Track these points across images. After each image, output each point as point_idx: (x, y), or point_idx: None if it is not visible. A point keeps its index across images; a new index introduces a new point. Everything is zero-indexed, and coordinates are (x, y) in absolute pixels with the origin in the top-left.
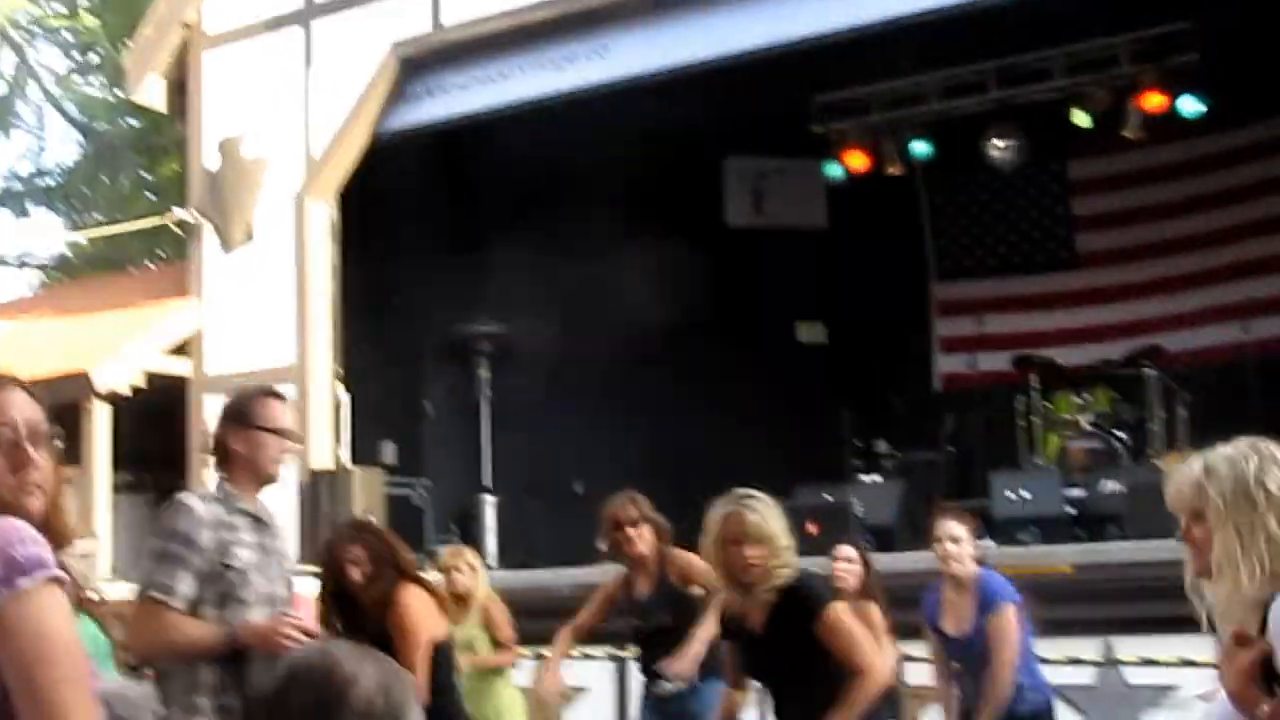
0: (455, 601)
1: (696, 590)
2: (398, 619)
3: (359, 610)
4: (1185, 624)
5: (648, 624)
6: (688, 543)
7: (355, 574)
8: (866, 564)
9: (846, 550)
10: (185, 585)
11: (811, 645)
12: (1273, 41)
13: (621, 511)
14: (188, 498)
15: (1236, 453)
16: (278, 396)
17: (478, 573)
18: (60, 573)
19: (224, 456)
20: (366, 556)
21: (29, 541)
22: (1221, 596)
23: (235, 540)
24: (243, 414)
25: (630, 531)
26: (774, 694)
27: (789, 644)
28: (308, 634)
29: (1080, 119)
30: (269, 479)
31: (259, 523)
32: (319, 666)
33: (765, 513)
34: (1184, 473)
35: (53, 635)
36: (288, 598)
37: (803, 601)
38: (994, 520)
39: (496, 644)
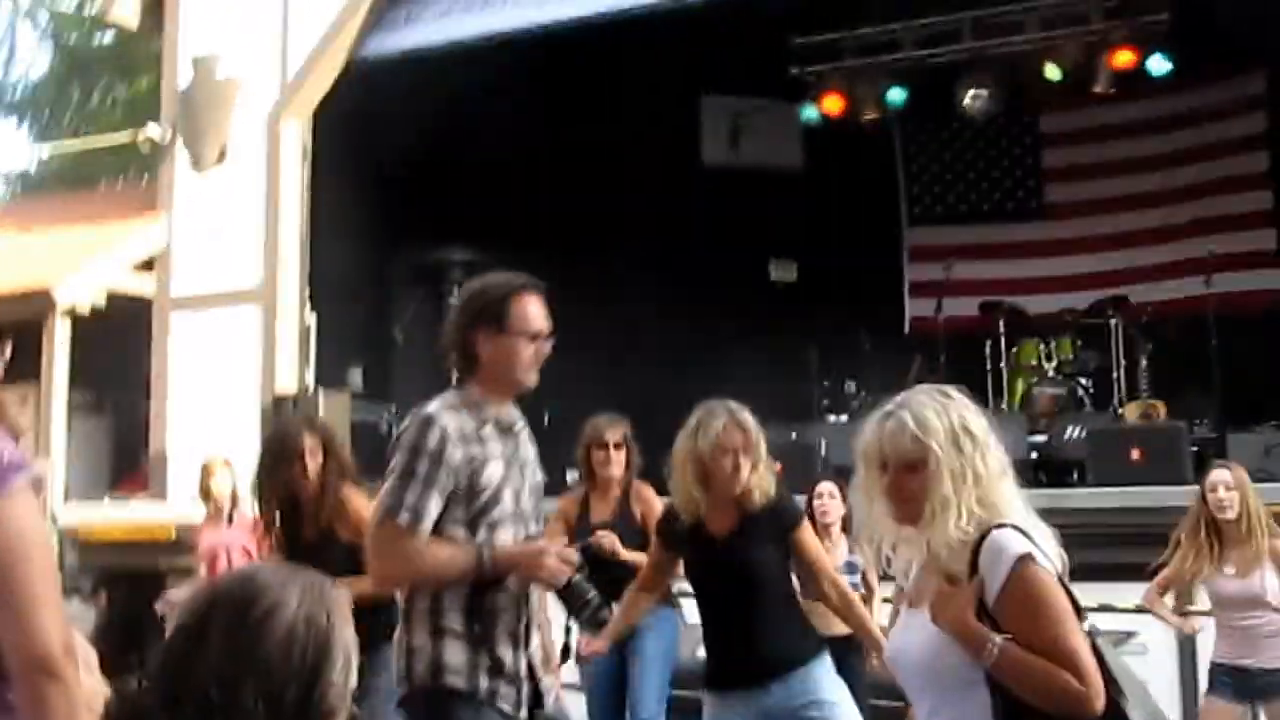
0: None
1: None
2: (354, 519)
3: (300, 508)
4: (1143, 571)
5: (599, 547)
6: (654, 476)
7: (310, 466)
8: (845, 500)
9: (828, 485)
10: (433, 506)
11: (779, 558)
12: (1240, 3)
13: (608, 430)
14: (435, 411)
15: (937, 402)
16: (533, 290)
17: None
18: (39, 474)
19: (470, 360)
20: (320, 451)
21: (8, 444)
22: (934, 542)
23: (485, 455)
24: (495, 314)
25: (611, 452)
26: (719, 603)
27: (756, 554)
28: (568, 562)
29: (1052, 72)
30: (521, 387)
31: (508, 431)
32: (241, 593)
33: (755, 425)
34: (893, 425)
35: (30, 533)
36: (537, 513)
37: (782, 515)
38: None
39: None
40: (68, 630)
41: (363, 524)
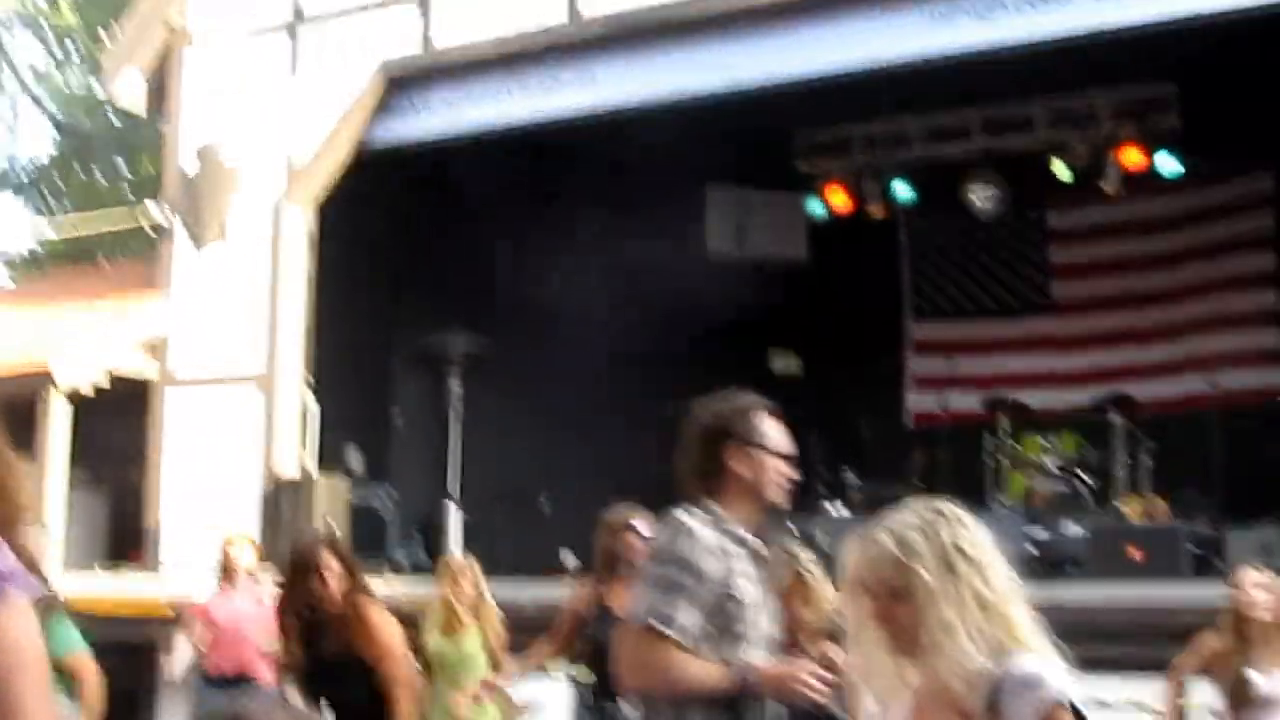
0: (449, 613)
1: None
2: (377, 635)
3: (321, 624)
4: (1137, 666)
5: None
6: None
7: (331, 584)
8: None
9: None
10: (687, 617)
11: None
12: (1248, 104)
13: (637, 516)
14: (688, 520)
15: (923, 521)
16: (775, 413)
17: (481, 585)
18: (35, 583)
19: (716, 477)
20: (340, 569)
21: (5, 552)
22: (944, 671)
23: (737, 570)
24: (742, 430)
25: (636, 540)
26: None
27: None
28: (827, 683)
29: (1061, 170)
30: (767, 504)
31: (755, 555)
32: None
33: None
34: (873, 549)
35: (26, 644)
36: (777, 639)
37: None
38: None
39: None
40: None
41: (384, 639)
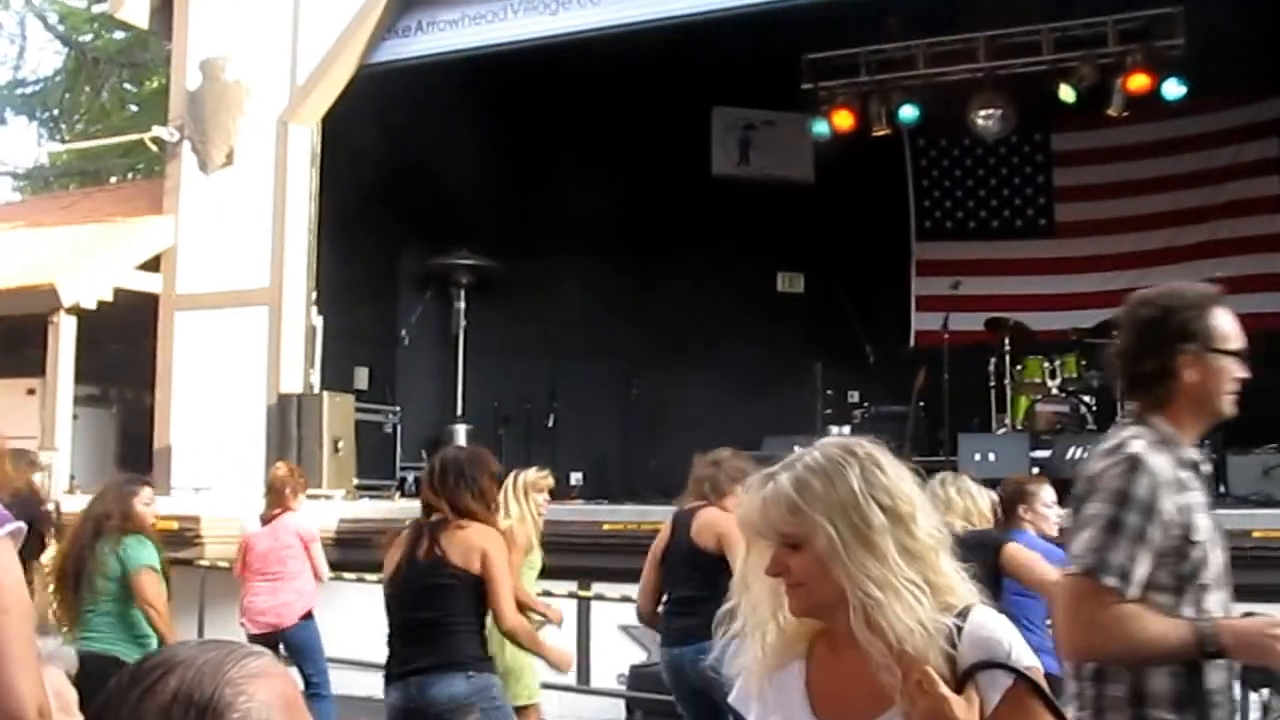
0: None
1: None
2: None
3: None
4: None
5: None
6: (661, 483)
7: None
8: None
9: (1051, 493)
10: (1143, 568)
11: None
12: (1254, 29)
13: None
14: (1142, 449)
15: (829, 463)
16: (1226, 304)
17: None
18: (18, 525)
19: (1165, 386)
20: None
21: None
22: (896, 629)
23: (1193, 505)
24: (1202, 331)
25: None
26: None
27: None
28: None
29: (1066, 94)
30: (1220, 417)
31: (1200, 474)
32: (134, 666)
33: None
34: (769, 494)
35: (7, 587)
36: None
37: None
38: None
39: None
40: (43, 690)
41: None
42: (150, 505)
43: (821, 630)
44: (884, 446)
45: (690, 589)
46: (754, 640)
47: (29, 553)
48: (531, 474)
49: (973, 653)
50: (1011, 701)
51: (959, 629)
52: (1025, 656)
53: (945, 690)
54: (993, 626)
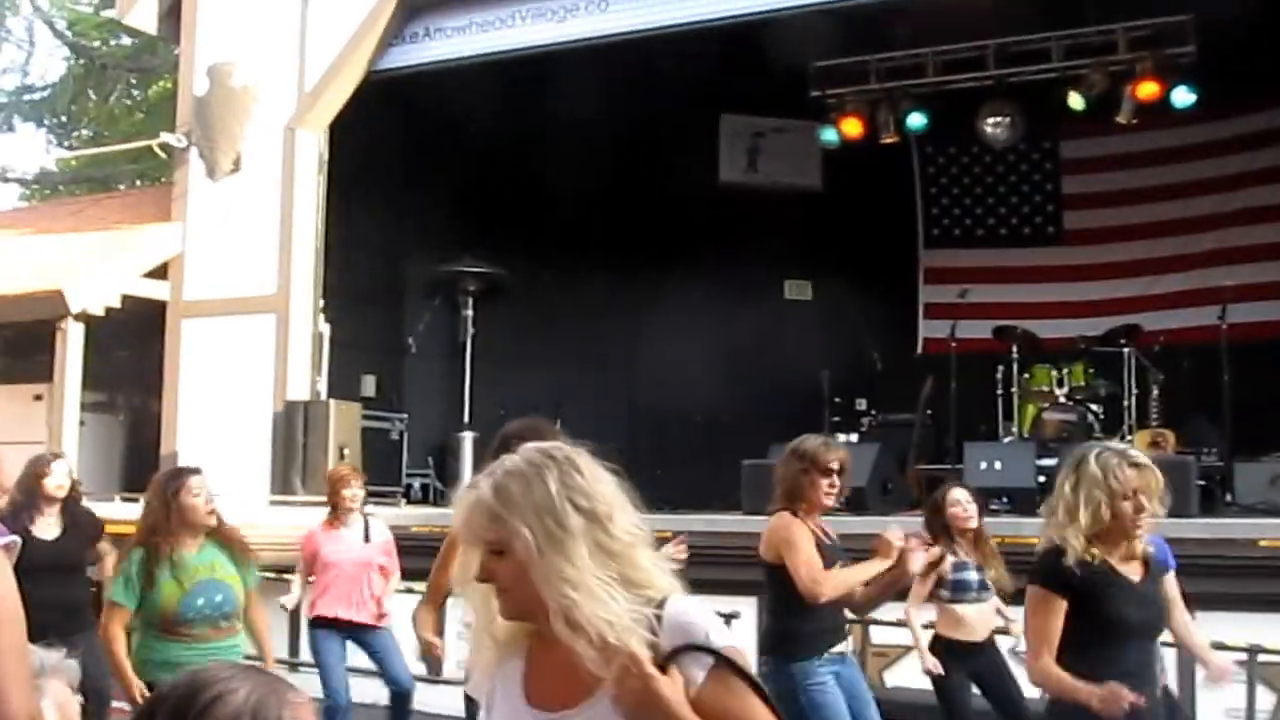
0: None
1: None
2: None
3: None
4: None
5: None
6: (666, 487)
7: None
8: (980, 505)
9: (962, 493)
10: None
11: None
12: (1265, 36)
13: (833, 454)
14: None
15: (528, 468)
16: None
17: None
18: (12, 539)
19: None
20: None
21: None
22: (595, 625)
23: None
24: None
25: (837, 480)
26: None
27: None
28: None
29: (1075, 102)
30: None
31: None
32: (187, 686)
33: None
34: (470, 501)
35: (2, 597)
36: None
37: None
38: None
39: None
40: (35, 702)
41: None
42: (200, 495)
43: (537, 629)
44: (583, 450)
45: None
46: (481, 640)
47: (81, 560)
48: None
49: (672, 637)
50: (714, 680)
51: (658, 618)
52: (721, 638)
53: (651, 669)
54: (690, 613)
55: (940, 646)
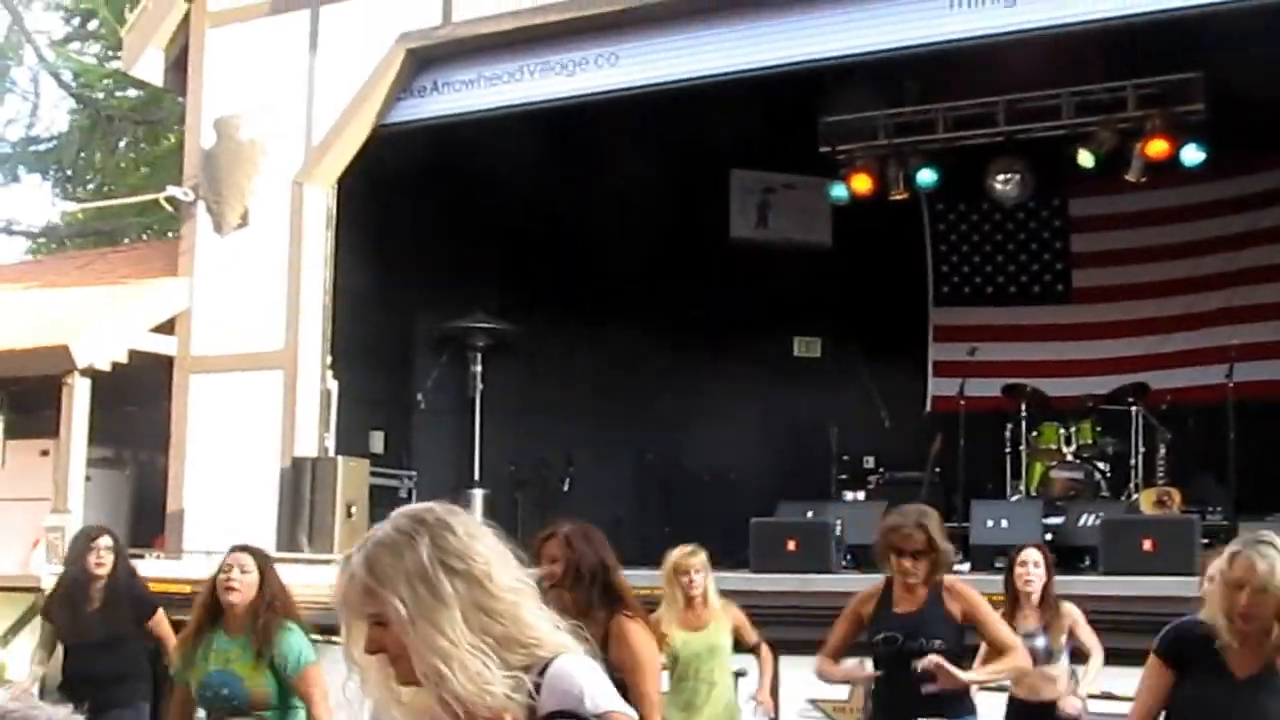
0: (688, 607)
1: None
2: (635, 649)
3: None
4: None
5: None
6: (664, 549)
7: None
8: (1049, 568)
9: (1033, 554)
10: None
11: None
12: (1274, 94)
13: (908, 538)
14: None
15: (399, 536)
16: None
17: (709, 575)
18: None
19: None
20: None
21: None
22: (468, 696)
23: None
24: None
25: (910, 563)
26: None
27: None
28: None
29: (1085, 159)
30: None
31: None
32: None
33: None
34: (345, 576)
35: None
36: None
37: None
38: (970, 545)
39: (742, 647)
40: None
41: (641, 652)
42: (229, 574)
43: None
44: (458, 510)
45: None
46: (389, 707)
47: (121, 634)
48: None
49: (549, 701)
50: None
51: (538, 684)
52: (604, 701)
53: None
54: (569, 675)
55: (1011, 707)
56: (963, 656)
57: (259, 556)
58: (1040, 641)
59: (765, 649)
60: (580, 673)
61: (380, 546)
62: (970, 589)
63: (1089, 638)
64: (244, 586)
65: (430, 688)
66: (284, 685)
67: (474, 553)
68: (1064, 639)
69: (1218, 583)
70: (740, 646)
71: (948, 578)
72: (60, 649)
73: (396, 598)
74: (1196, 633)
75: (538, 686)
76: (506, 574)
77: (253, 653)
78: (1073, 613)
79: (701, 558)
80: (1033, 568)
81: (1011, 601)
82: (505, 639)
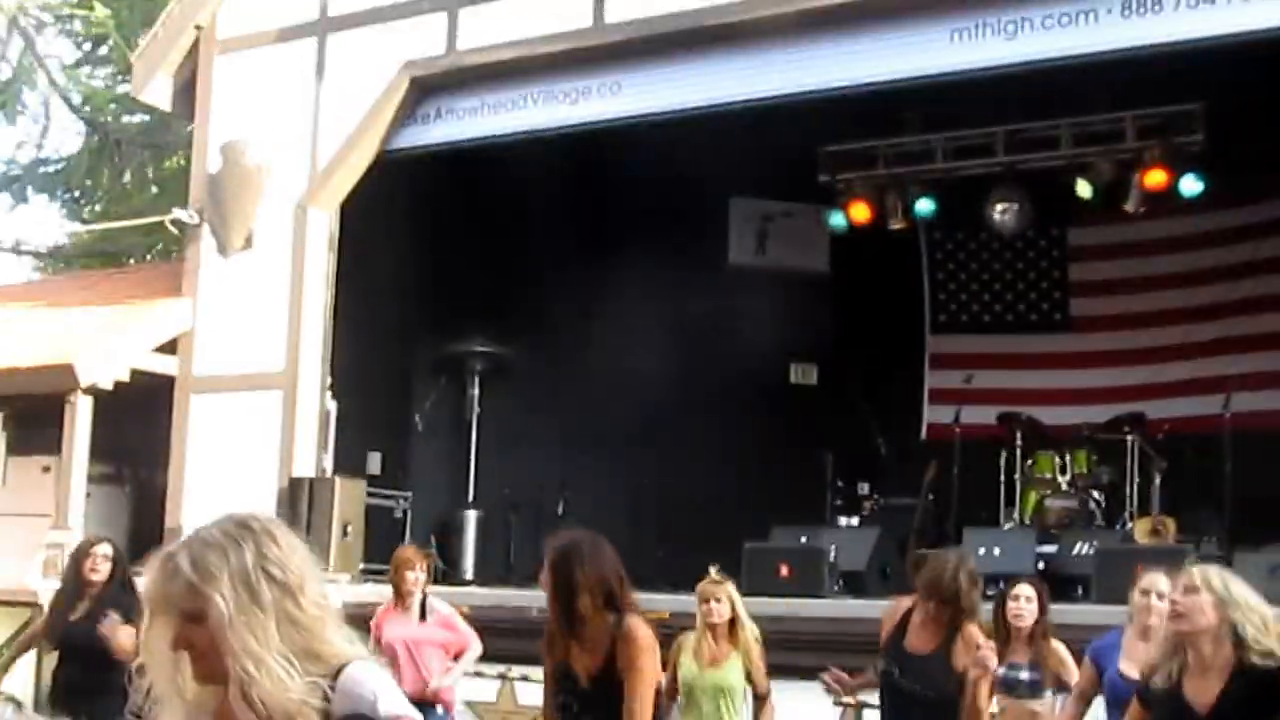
0: (706, 637)
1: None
2: (632, 652)
3: (583, 636)
4: None
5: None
6: (658, 573)
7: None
8: (1043, 605)
9: (1026, 589)
10: None
11: None
12: (1273, 126)
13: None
14: None
15: (226, 539)
16: None
17: (739, 605)
18: None
19: None
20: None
21: None
22: (268, 703)
23: None
24: None
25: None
26: None
27: None
28: None
29: (1083, 189)
30: None
31: None
32: None
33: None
34: (168, 571)
35: None
36: None
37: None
38: None
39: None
40: None
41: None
42: None
43: (222, 695)
44: (280, 522)
45: None
46: (171, 701)
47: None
48: None
49: (342, 705)
50: None
51: (333, 686)
52: (394, 707)
53: None
54: (361, 680)
55: None
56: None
57: None
58: (1025, 675)
59: (769, 707)
60: (371, 678)
61: (208, 547)
62: (982, 649)
63: (1073, 680)
64: None
65: (235, 688)
66: None
67: (292, 564)
68: (1050, 675)
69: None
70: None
71: (968, 627)
72: (34, 657)
73: (219, 596)
74: None
75: (332, 688)
76: (315, 589)
77: None
78: (1062, 656)
79: (726, 587)
80: (1024, 602)
81: (1002, 634)
82: (307, 651)
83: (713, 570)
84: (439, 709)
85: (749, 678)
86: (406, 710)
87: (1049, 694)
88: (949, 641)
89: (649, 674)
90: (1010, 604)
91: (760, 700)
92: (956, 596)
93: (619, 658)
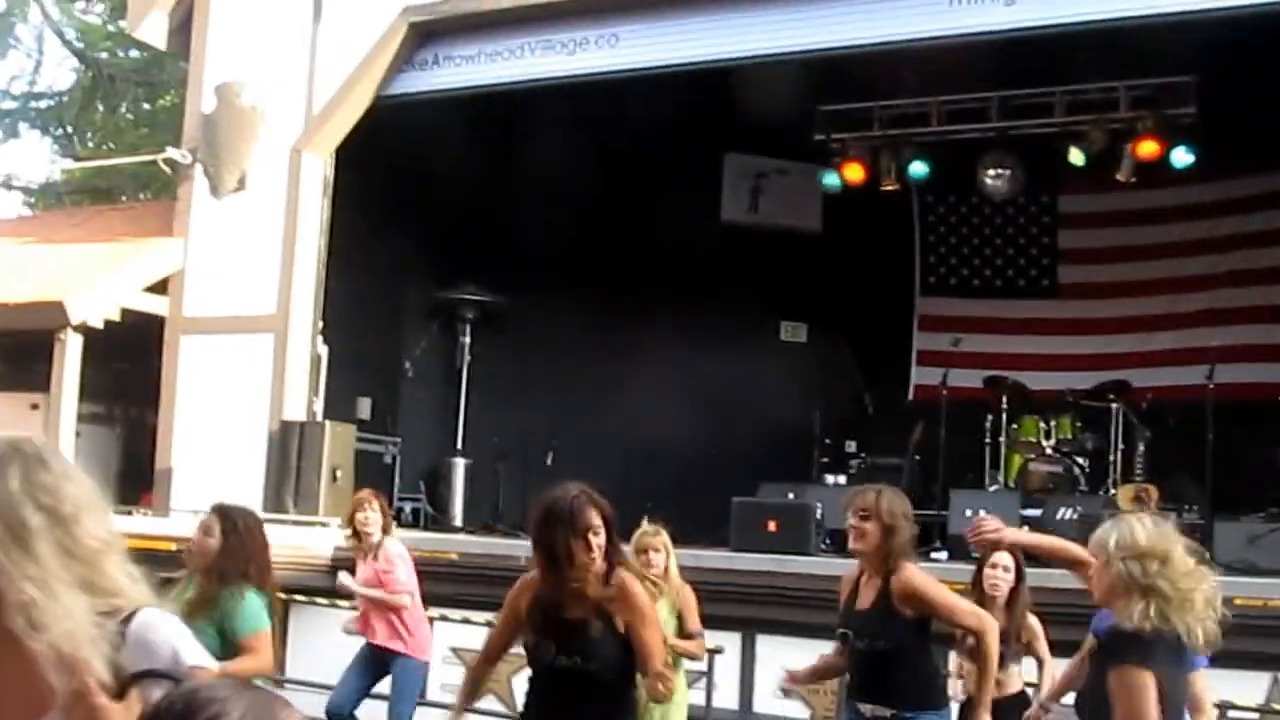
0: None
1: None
2: (634, 601)
3: (567, 584)
4: None
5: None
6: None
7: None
8: (1020, 574)
9: (1004, 558)
10: None
11: None
12: (1265, 100)
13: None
14: None
15: None
16: None
17: (671, 555)
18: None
19: None
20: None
21: None
22: (55, 637)
23: None
24: None
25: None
26: None
27: None
28: None
29: (1075, 157)
30: None
31: None
32: (184, 705)
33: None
34: None
35: None
36: None
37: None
38: (949, 535)
39: (684, 633)
40: None
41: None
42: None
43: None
44: (55, 448)
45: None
46: None
47: None
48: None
49: (135, 657)
50: None
51: (123, 634)
52: (191, 656)
53: (101, 700)
54: (156, 629)
55: (964, 706)
56: (921, 650)
57: (228, 519)
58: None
59: (699, 643)
60: (166, 628)
61: None
62: (918, 580)
63: (1045, 654)
64: (198, 549)
65: (16, 614)
66: (231, 650)
67: (64, 492)
68: (1021, 647)
69: None
70: (680, 630)
71: (897, 576)
72: None
73: None
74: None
75: (122, 636)
76: (94, 522)
77: (189, 615)
78: (1034, 628)
79: (662, 538)
80: (1002, 572)
81: (977, 600)
82: (85, 582)
83: (646, 522)
84: (415, 659)
85: (678, 617)
86: (204, 660)
87: (1014, 668)
88: (886, 591)
89: (654, 621)
90: (988, 571)
91: (688, 637)
92: (876, 508)
93: (618, 611)
